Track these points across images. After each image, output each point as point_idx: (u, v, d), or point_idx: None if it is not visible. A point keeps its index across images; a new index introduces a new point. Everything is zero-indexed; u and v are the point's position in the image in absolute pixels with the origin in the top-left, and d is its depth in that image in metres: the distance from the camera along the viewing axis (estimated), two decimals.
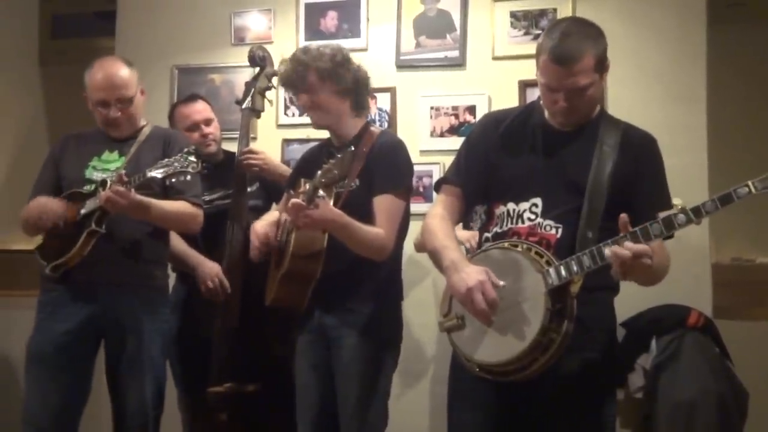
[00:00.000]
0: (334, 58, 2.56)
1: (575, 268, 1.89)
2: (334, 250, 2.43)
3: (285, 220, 2.60)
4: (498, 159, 2.15)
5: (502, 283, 1.95)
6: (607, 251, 1.83)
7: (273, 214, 2.75)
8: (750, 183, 1.73)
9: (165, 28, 4.00)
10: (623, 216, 1.84)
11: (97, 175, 2.75)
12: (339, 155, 2.27)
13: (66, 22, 4.75)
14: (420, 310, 3.38)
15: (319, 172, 2.27)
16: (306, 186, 2.35)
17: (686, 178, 3.22)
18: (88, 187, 2.72)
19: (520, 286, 1.95)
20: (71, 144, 2.90)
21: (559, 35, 1.97)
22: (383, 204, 2.48)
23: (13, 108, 4.39)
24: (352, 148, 2.32)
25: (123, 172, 2.58)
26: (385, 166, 2.50)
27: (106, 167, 2.78)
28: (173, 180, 2.59)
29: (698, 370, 3.06)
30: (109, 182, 2.60)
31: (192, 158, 2.52)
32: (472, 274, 1.95)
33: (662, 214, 1.82)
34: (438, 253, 2.08)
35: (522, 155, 2.13)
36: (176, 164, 2.52)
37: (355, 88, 2.59)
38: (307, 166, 2.68)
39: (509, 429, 2.07)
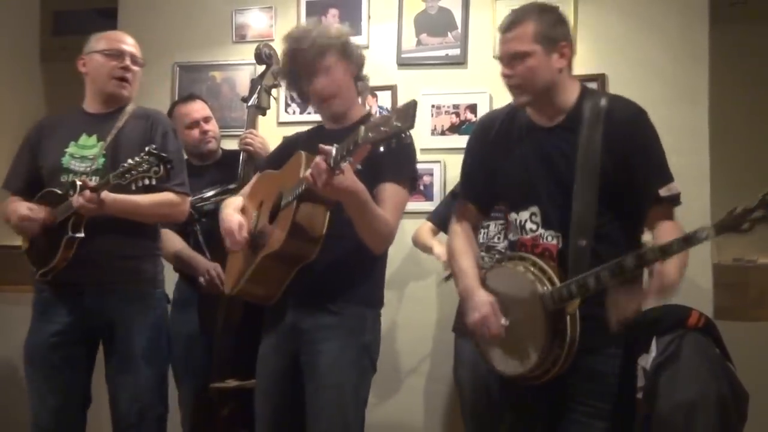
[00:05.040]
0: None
1: (574, 290, 1.91)
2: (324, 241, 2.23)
3: (262, 202, 2.43)
4: (495, 166, 2.17)
5: (504, 321, 2.04)
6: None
7: (236, 201, 2.52)
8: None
9: (166, 25, 4.00)
10: None
11: (75, 164, 2.69)
12: (384, 113, 2.01)
13: (67, 19, 4.77)
14: (419, 307, 3.36)
15: (363, 128, 1.91)
16: (333, 149, 2.01)
17: (688, 178, 3.18)
18: (61, 178, 2.67)
19: (523, 306, 2.01)
20: (46, 129, 2.81)
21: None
22: (389, 192, 2.29)
23: (14, 105, 4.37)
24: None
25: (84, 178, 2.53)
26: (392, 155, 2.16)
27: (84, 154, 2.70)
28: (138, 185, 2.45)
29: (698, 370, 3.04)
30: (78, 184, 2.52)
31: (154, 164, 2.39)
32: (479, 307, 2.09)
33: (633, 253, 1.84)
34: (455, 276, 2.28)
35: (513, 159, 2.13)
36: (139, 168, 2.41)
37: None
38: (296, 148, 2.44)
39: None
